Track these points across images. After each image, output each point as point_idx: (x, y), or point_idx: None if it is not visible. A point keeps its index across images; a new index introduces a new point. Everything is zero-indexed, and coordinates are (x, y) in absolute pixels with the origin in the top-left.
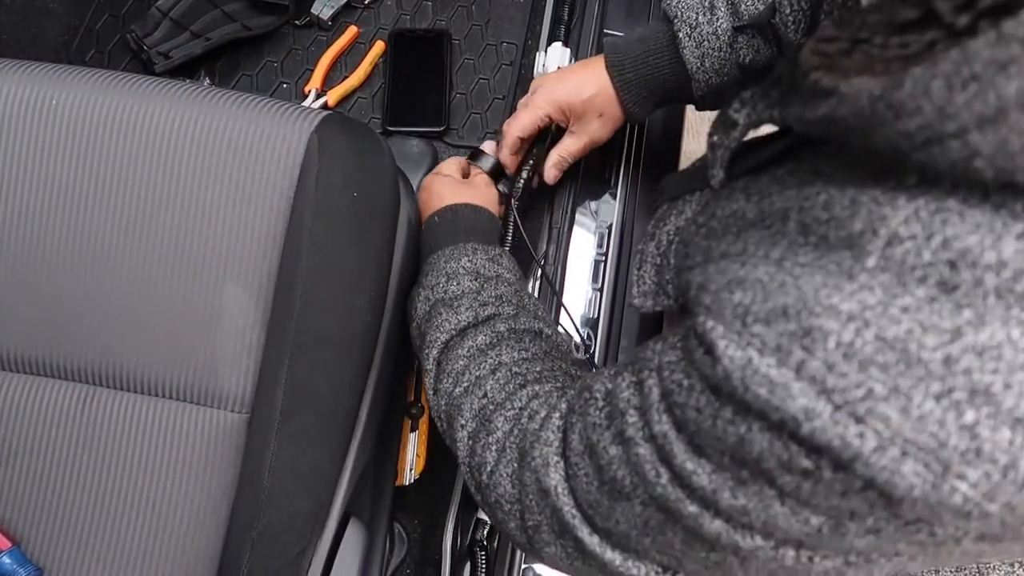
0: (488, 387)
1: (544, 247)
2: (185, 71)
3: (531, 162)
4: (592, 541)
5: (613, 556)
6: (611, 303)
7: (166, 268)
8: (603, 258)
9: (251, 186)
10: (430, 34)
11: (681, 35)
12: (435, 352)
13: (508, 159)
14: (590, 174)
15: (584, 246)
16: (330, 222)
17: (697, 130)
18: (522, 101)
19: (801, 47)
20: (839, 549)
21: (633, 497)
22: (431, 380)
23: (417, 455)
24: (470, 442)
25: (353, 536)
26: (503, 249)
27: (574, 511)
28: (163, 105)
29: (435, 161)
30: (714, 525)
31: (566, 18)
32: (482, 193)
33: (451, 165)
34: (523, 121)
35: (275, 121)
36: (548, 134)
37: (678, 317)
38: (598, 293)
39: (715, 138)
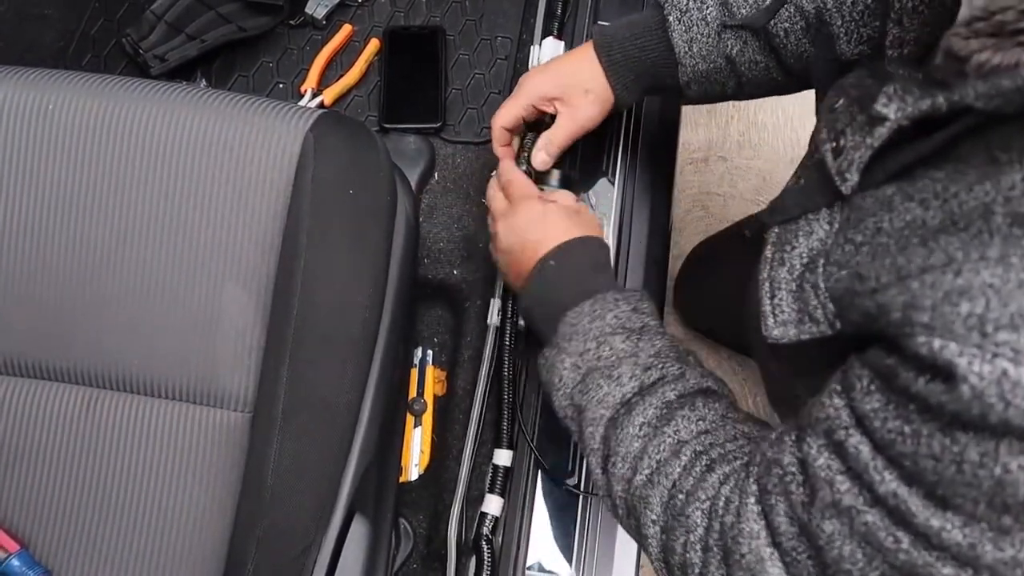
0: (676, 475)
1: None
2: (181, 74)
3: (525, 154)
4: None
5: None
6: None
7: (166, 270)
8: None
9: (248, 186)
10: (424, 31)
11: (671, 19)
12: (600, 430)
13: (499, 151)
14: (588, 163)
15: None
16: (327, 220)
17: (695, 121)
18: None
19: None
20: None
21: (869, 572)
22: (598, 459)
23: (421, 451)
24: (663, 537)
25: (358, 532)
26: (641, 291)
27: None
28: (158, 107)
29: (432, 157)
30: None
31: (559, 11)
32: (588, 222)
33: (524, 182)
34: (508, 111)
35: (270, 120)
36: (542, 125)
37: (817, 348)
38: None
39: (848, 141)
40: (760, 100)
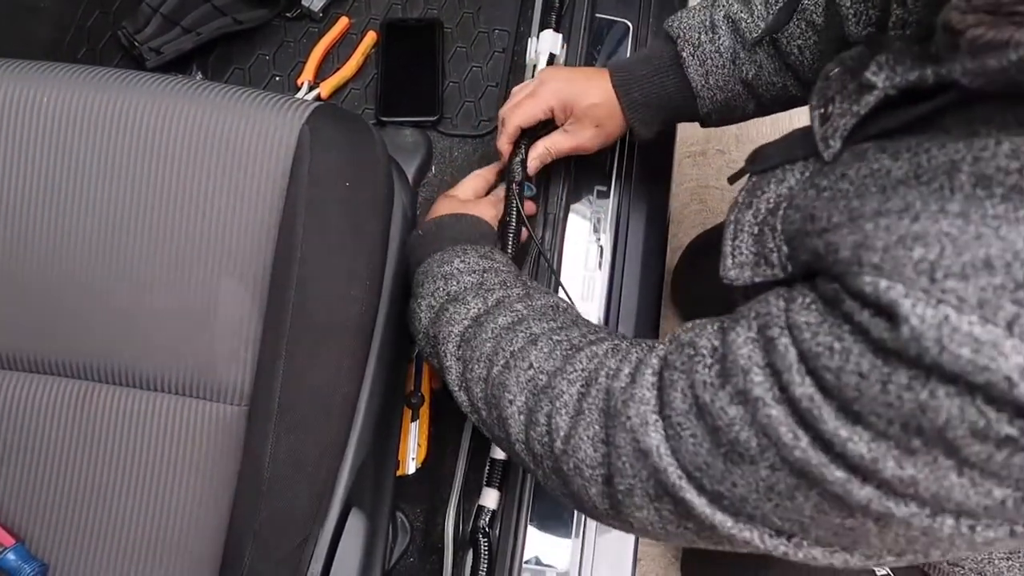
0: (532, 358)
1: (540, 232)
2: (177, 67)
3: (522, 149)
4: (700, 503)
5: (724, 519)
6: (608, 285)
7: (161, 263)
8: (599, 242)
9: (244, 179)
10: (422, 23)
11: (685, 55)
12: (452, 347)
13: (506, 147)
14: (586, 161)
15: (580, 231)
16: (323, 213)
17: None
18: (522, 89)
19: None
20: (1013, 519)
21: (759, 460)
22: (455, 377)
23: (418, 444)
24: (524, 416)
25: (355, 526)
26: (492, 246)
27: (679, 472)
28: (153, 100)
29: (429, 151)
30: (863, 492)
31: (557, 4)
32: (475, 207)
33: (466, 185)
34: (527, 110)
35: (266, 113)
36: (542, 127)
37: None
38: (594, 276)
39: (835, 108)
40: None
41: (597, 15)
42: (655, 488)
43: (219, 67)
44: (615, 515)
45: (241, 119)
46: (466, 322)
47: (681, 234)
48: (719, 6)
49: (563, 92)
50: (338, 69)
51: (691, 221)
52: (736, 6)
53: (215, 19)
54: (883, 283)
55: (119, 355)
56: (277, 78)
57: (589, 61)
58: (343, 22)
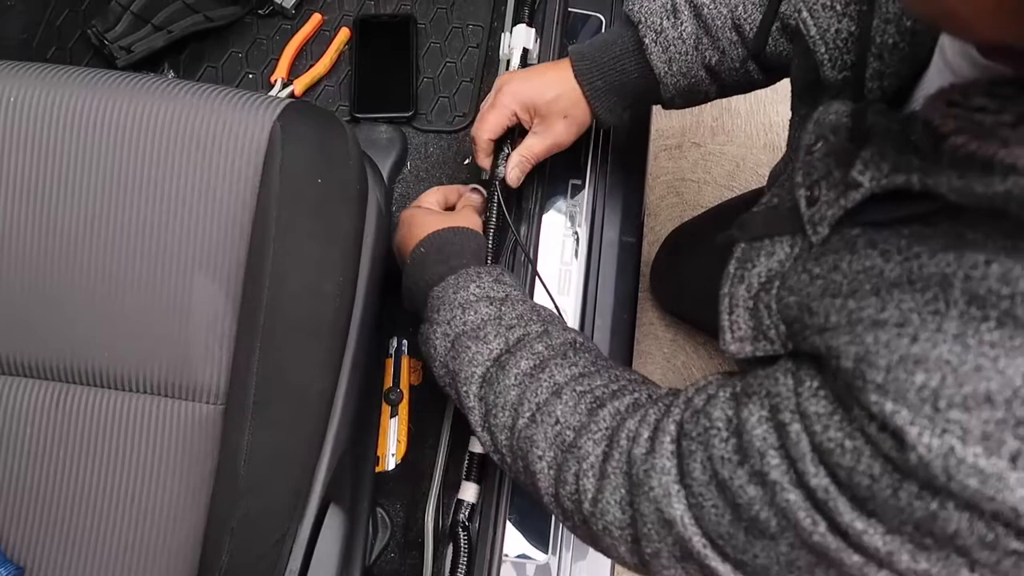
0: (558, 412)
1: (517, 228)
2: (148, 65)
3: (505, 151)
4: (724, 569)
5: None
6: (584, 278)
7: (134, 262)
8: (575, 234)
9: (216, 176)
10: (395, 19)
11: (647, 41)
12: (474, 388)
13: (485, 162)
14: (560, 153)
15: (556, 225)
16: (295, 209)
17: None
18: (487, 101)
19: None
20: None
21: (779, 538)
22: (477, 418)
23: (398, 440)
24: (553, 472)
25: (334, 522)
26: (502, 267)
27: (703, 541)
28: (123, 98)
29: (404, 146)
30: (880, 575)
31: None
32: (464, 218)
33: (429, 197)
34: (491, 122)
35: (237, 110)
36: (517, 130)
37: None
38: (570, 269)
39: (822, 194)
40: None
41: (570, 9)
42: (680, 552)
43: (191, 65)
44: (645, 571)
45: (212, 117)
46: (488, 363)
47: (658, 227)
48: None
49: (521, 94)
50: (312, 66)
51: (668, 214)
52: None
53: (186, 17)
54: (889, 406)
55: (94, 356)
56: (250, 76)
57: (562, 55)
58: (316, 19)
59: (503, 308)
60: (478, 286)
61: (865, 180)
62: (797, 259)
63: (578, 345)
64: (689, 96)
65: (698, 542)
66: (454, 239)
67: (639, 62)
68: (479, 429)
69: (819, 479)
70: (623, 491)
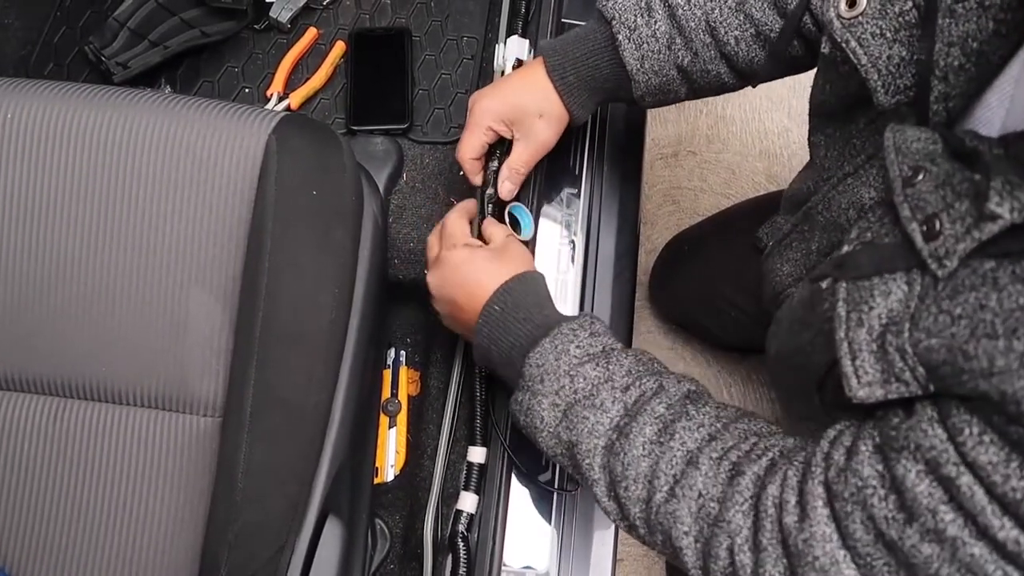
0: (700, 485)
1: None
2: (145, 80)
3: (493, 166)
4: None
5: None
6: (580, 288)
7: (131, 277)
8: (571, 242)
9: (212, 190)
10: (390, 32)
11: (620, 37)
12: (598, 459)
13: (475, 180)
14: (555, 164)
15: (552, 234)
16: (290, 222)
17: (664, 117)
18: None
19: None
20: None
21: None
22: (603, 489)
23: (396, 451)
24: (701, 546)
25: (332, 534)
26: (590, 314)
27: None
28: (118, 113)
29: (400, 158)
30: None
31: (523, 10)
32: (517, 256)
33: (461, 226)
34: (468, 144)
35: (233, 124)
36: (505, 143)
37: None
38: (567, 278)
39: (944, 227)
40: (728, 95)
41: (563, 20)
42: None
43: (188, 80)
44: None
45: (208, 130)
46: (609, 433)
47: (655, 236)
48: None
49: (492, 107)
50: (307, 80)
51: (665, 223)
52: None
53: (183, 32)
54: None
55: (91, 370)
56: (247, 90)
57: None
58: (311, 33)
59: (610, 368)
60: (577, 346)
61: (1004, 212)
62: (923, 299)
63: (695, 397)
64: (659, 95)
65: None
66: (527, 290)
67: (611, 58)
68: (605, 499)
69: (1006, 531)
70: (784, 563)
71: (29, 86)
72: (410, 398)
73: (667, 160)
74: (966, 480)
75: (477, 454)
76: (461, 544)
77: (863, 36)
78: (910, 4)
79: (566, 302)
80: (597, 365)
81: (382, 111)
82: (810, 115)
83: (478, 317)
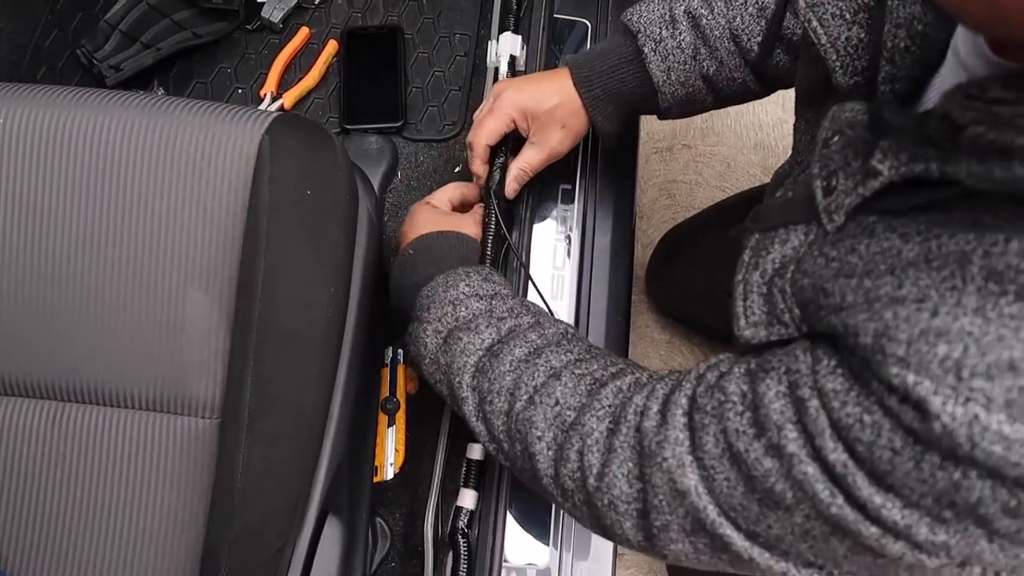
0: (558, 393)
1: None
2: (138, 83)
3: (500, 159)
4: (737, 538)
5: (760, 553)
6: (577, 282)
7: (127, 279)
8: (567, 237)
9: (206, 191)
10: (382, 30)
11: (646, 50)
12: (467, 378)
13: (481, 169)
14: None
15: (547, 230)
16: (285, 221)
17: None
18: (480, 110)
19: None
20: None
21: (794, 510)
22: (471, 407)
23: (396, 450)
24: (553, 451)
25: (332, 533)
26: (490, 268)
27: (717, 510)
28: (112, 116)
29: (395, 157)
30: (896, 546)
31: (515, 6)
32: (464, 223)
33: (443, 194)
34: (489, 128)
35: (226, 125)
36: (511, 137)
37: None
38: (563, 273)
39: (839, 183)
40: None
41: (555, 16)
42: (692, 524)
43: (181, 82)
44: (649, 547)
45: (201, 132)
46: (480, 352)
47: (651, 229)
48: (678, 0)
49: (519, 101)
50: (300, 79)
51: (660, 216)
52: (696, 1)
53: (174, 34)
54: (911, 377)
55: (89, 373)
56: (240, 91)
57: (549, 61)
58: (303, 32)
59: (493, 303)
60: (467, 284)
61: (884, 168)
62: (812, 244)
63: (570, 335)
64: (686, 106)
65: (712, 511)
66: (443, 243)
67: (638, 71)
68: (473, 419)
69: (837, 454)
70: (631, 464)
71: (22, 91)
72: (408, 396)
73: (662, 154)
74: (815, 404)
75: (476, 451)
76: (462, 541)
77: (824, 16)
78: None
79: (562, 297)
80: (481, 300)
81: (376, 110)
82: (795, 100)
83: (396, 259)
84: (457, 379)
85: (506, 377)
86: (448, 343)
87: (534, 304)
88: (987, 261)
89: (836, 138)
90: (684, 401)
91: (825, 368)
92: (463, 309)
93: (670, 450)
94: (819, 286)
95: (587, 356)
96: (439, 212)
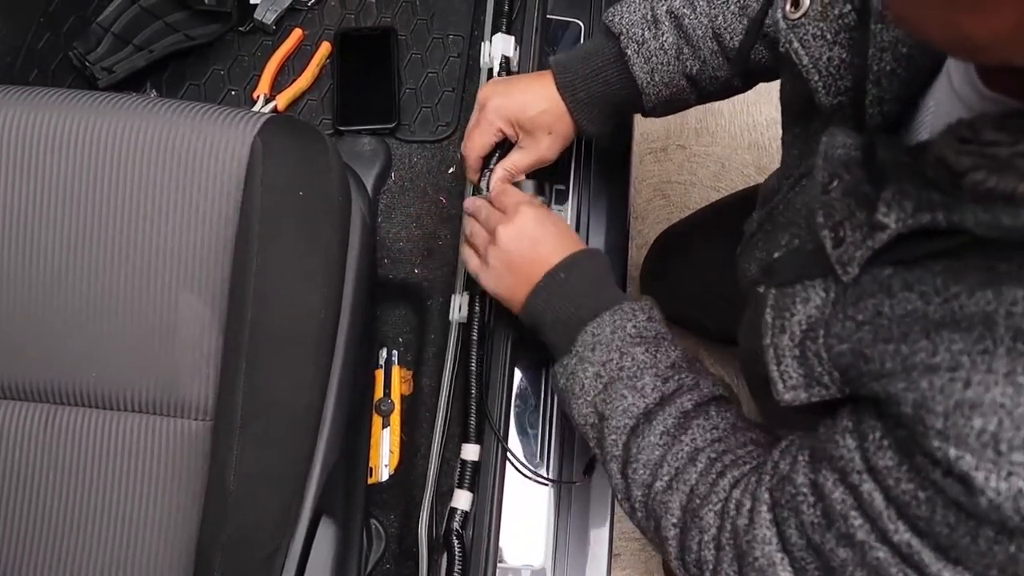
0: (693, 480)
1: None
2: (131, 85)
3: (492, 165)
4: None
5: None
6: None
7: (119, 281)
8: None
9: (198, 193)
10: (376, 32)
11: (629, 52)
12: (624, 438)
13: (476, 178)
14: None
15: None
16: (277, 223)
17: None
18: (472, 118)
19: (930, 146)
20: None
21: None
22: (618, 465)
23: (390, 451)
24: (680, 539)
25: (326, 534)
26: (651, 301)
27: None
28: (103, 118)
29: (388, 158)
30: None
31: (508, 7)
32: (572, 233)
33: (516, 190)
34: (478, 142)
35: (218, 127)
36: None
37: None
38: None
39: (847, 235)
40: None
41: (548, 16)
42: None
43: (174, 84)
44: None
45: (193, 134)
46: (639, 416)
47: (646, 230)
48: (660, 0)
49: (505, 109)
50: (294, 81)
51: (655, 217)
52: (678, 1)
53: (167, 36)
54: (952, 451)
55: (81, 376)
56: (233, 92)
57: (543, 62)
58: (297, 34)
59: (658, 355)
60: (634, 326)
61: (891, 222)
62: (836, 304)
63: (722, 401)
64: (669, 104)
65: None
66: (593, 265)
67: (621, 73)
68: (617, 476)
69: (900, 535)
70: (736, 564)
71: (15, 93)
72: (403, 397)
73: (656, 154)
74: (867, 487)
75: (471, 451)
76: (456, 542)
77: (804, 37)
78: (849, 7)
79: None
80: (647, 349)
81: (369, 111)
82: (781, 113)
83: (540, 279)
84: (612, 437)
85: (654, 451)
86: (609, 393)
87: (691, 355)
88: (1011, 321)
89: (835, 183)
90: (766, 495)
91: (873, 444)
92: (628, 360)
93: (760, 549)
94: (858, 351)
95: (728, 432)
96: (552, 215)
